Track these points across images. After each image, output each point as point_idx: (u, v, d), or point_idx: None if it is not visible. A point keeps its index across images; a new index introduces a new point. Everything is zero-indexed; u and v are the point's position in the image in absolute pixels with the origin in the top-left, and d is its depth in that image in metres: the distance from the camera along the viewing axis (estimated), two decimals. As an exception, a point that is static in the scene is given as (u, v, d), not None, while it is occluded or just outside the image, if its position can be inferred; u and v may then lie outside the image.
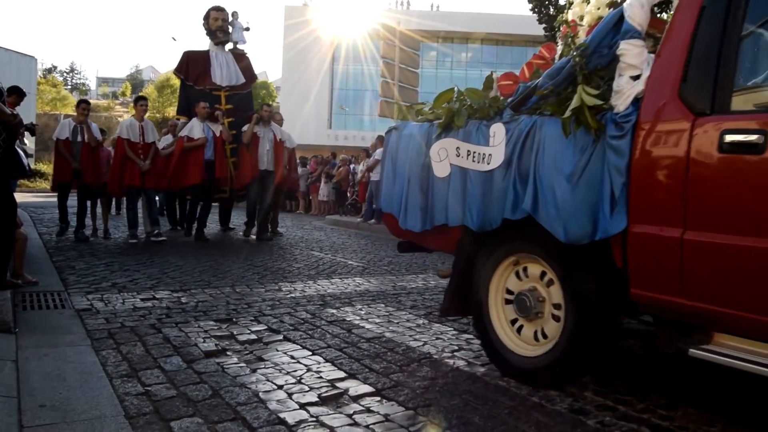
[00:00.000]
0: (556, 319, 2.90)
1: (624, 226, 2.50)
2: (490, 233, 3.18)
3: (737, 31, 2.29)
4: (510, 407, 2.70)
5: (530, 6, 13.82)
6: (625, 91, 2.55)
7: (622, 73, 2.59)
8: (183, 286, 5.23)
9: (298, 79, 38.25)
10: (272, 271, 6.36)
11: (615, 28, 2.68)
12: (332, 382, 2.95)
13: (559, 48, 3.77)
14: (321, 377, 3.02)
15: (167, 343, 3.52)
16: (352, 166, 16.30)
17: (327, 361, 3.30)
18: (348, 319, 4.31)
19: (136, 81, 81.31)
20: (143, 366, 3.08)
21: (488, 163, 3.15)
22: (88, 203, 8.43)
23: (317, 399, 2.72)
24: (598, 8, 3.49)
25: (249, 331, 3.85)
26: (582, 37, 3.41)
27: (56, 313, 4.10)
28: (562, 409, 2.68)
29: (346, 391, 2.84)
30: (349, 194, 16.37)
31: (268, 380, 2.94)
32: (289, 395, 2.75)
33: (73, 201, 8.33)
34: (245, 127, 9.14)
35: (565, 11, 3.99)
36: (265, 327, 3.98)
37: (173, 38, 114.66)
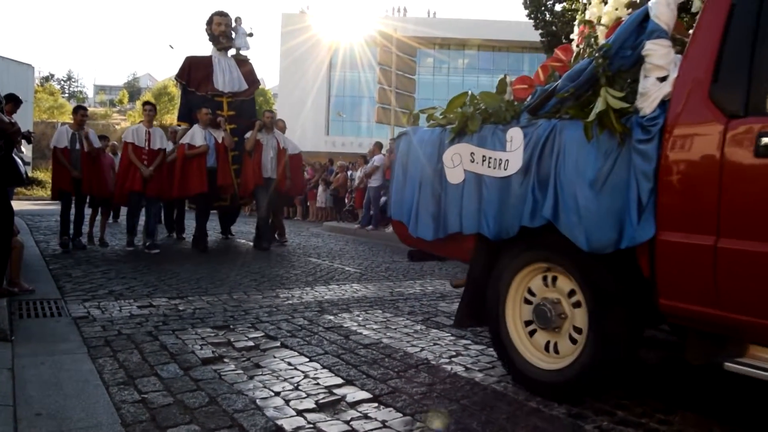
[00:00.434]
0: (573, 341, 2.80)
1: (652, 234, 2.39)
2: (507, 241, 3.07)
3: None
4: (508, 412, 2.70)
5: (526, 12, 13.90)
6: (651, 93, 2.45)
7: (647, 75, 2.48)
8: (180, 294, 5.22)
9: (295, 86, 38.35)
10: (269, 278, 6.35)
11: (639, 27, 2.57)
12: (330, 389, 2.94)
13: (576, 49, 3.62)
14: (318, 384, 3.01)
15: (164, 350, 3.51)
16: (349, 172, 16.32)
17: (324, 367, 3.29)
18: (345, 325, 4.30)
19: (133, 89, 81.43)
20: (140, 373, 3.07)
21: (505, 169, 3.04)
22: (88, 212, 8.33)
23: (315, 405, 2.71)
24: (616, 9, 3.34)
25: (246, 338, 3.84)
26: (601, 38, 3.29)
27: (53, 320, 4.09)
28: (560, 414, 2.68)
29: (343, 397, 2.83)
30: (346, 201, 16.37)
31: (265, 387, 2.93)
32: (287, 402, 2.74)
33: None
34: (248, 134, 9.03)
35: (580, 12, 3.88)
36: (263, 334, 3.98)
37: (171, 46, 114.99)
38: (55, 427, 2.36)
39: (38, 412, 2.47)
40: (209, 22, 9.95)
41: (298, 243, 10.37)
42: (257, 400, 2.74)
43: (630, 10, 3.13)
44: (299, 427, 2.46)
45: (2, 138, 4.23)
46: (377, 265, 7.84)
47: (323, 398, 2.80)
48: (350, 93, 42.11)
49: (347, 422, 2.54)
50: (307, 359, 3.43)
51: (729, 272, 2.19)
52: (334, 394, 2.86)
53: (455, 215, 3.35)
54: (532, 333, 3.03)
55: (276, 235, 9.92)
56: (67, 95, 73.13)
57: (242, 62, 10.19)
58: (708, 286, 2.24)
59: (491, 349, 3.74)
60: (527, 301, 3.06)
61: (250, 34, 10.48)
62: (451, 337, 4.03)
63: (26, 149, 9.40)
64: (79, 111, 8.29)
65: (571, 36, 3.98)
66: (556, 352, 2.88)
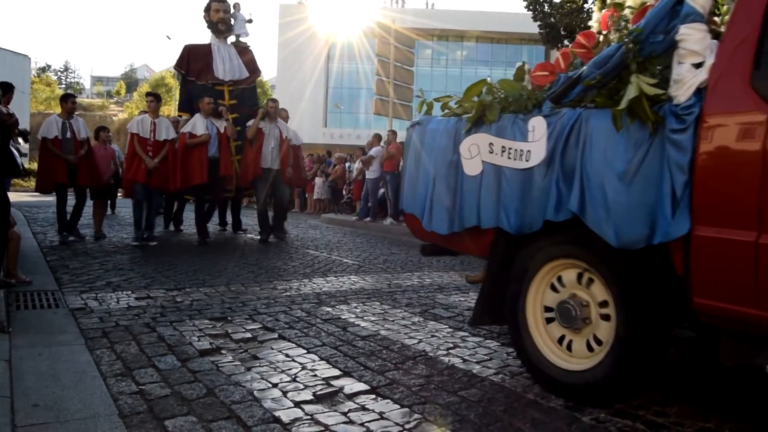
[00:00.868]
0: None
1: (687, 229, 2.26)
2: (528, 236, 2.94)
3: None
4: (505, 404, 2.70)
5: (525, 4, 13.86)
6: (686, 80, 2.30)
7: (682, 61, 2.34)
8: (178, 285, 5.21)
9: (293, 77, 38.18)
10: (267, 269, 6.34)
11: (672, 11, 2.45)
12: (327, 381, 2.94)
13: (598, 36, 3.46)
14: (316, 375, 3.01)
15: (161, 341, 3.51)
16: (347, 164, 16.30)
17: (322, 359, 3.29)
18: (343, 317, 4.31)
19: (130, 80, 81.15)
20: (137, 365, 3.07)
21: (527, 160, 2.90)
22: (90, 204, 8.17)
23: (312, 397, 2.72)
24: None
25: (244, 330, 3.84)
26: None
27: (50, 312, 4.08)
28: (557, 406, 2.68)
29: (341, 389, 2.84)
30: (344, 192, 16.36)
31: (262, 379, 2.94)
32: (284, 393, 2.75)
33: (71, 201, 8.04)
34: (250, 122, 8.78)
35: None
36: (260, 325, 3.98)
37: (168, 37, 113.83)
38: (53, 418, 2.36)
39: (35, 403, 2.47)
40: (207, 9, 9.73)
41: (296, 235, 10.36)
42: (255, 392, 2.74)
43: None
44: (297, 419, 2.47)
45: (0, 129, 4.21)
46: (375, 257, 7.84)
47: (321, 390, 2.81)
48: (348, 84, 41.96)
49: (345, 414, 2.54)
50: (305, 351, 3.43)
51: None
52: (332, 386, 2.86)
53: (472, 208, 3.23)
54: (549, 321, 2.93)
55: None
56: (64, 86, 72.78)
57: (243, 50, 9.96)
58: (748, 284, 2.12)
59: (489, 341, 3.76)
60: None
61: (250, 21, 10.24)
62: (449, 329, 4.04)
63: (22, 141, 9.30)
64: (69, 99, 8.02)
65: (590, 23, 3.85)
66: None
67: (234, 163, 8.82)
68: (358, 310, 4.55)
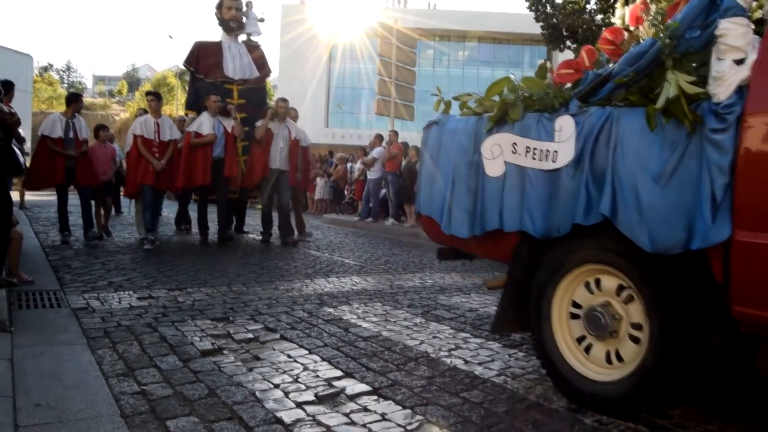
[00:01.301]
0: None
1: (728, 235, 2.15)
2: (554, 240, 2.82)
3: None
4: (508, 406, 2.70)
5: (527, 5, 13.85)
6: (727, 77, 2.18)
7: (722, 57, 2.22)
8: (179, 285, 5.21)
9: (294, 77, 38.16)
10: (269, 269, 6.34)
11: (711, 5, 2.35)
12: (329, 381, 2.94)
13: (626, 32, 3.31)
14: (318, 376, 3.01)
15: (163, 342, 3.51)
16: (349, 164, 16.30)
17: (324, 359, 3.29)
18: (345, 317, 4.30)
19: (132, 79, 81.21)
20: (139, 365, 3.07)
21: (554, 161, 2.77)
22: (92, 203, 8.05)
23: (314, 398, 2.71)
24: None
25: (245, 330, 3.84)
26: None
27: (52, 311, 4.09)
28: (559, 408, 2.68)
29: (343, 390, 2.83)
30: (346, 193, 16.37)
31: (264, 379, 2.93)
32: (286, 394, 2.74)
33: (74, 200, 8.02)
34: (259, 123, 8.61)
35: None
36: (262, 326, 3.97)
37: (170, 36, 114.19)
38: (55, 417, 2.36)
39: (37, 403, 2.47)
40: (219, 6, 9.50)
41: (296, 235, 10.35)
42: (257, 392, 2.74)
43: None
44: (298, 420, 2.46)
45: (1, 128, 4.22)
46: (377, 257, 7.84)
47: (323, 391, 2.80)
48: (350, 85, 41.99)
49: (347, 415, 2.54)
50: (307, 351, 3.43)
51: None
52: (334, 387, 2.86)
53: (494, 211, 3.10)
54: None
55: (297, 231, 9.47)
56: (66, 85, 72.90)
57: (253, 48, 9.78)
58: None
59: (491, 342, 3.76)
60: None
61: (261, 20, 9.99)
62: (451, 331, 4.03)
63: (26, 139, 9.25)
64: (79, 99, 7.95)
65: (613, 19, 3.73)
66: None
67: (240, 163, 8.62)
68: (359, 311, 4.54)
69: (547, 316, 2.87)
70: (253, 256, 7.35)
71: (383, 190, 12.55)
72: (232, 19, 9.45)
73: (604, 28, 3.57)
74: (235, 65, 9.29)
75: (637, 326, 2.54)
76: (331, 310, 4.54)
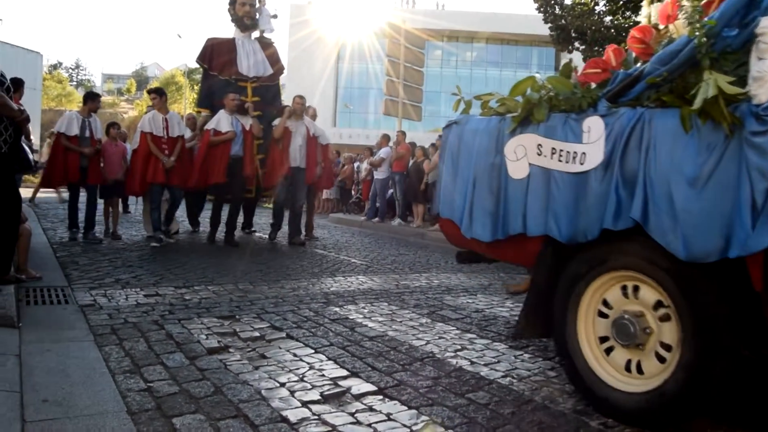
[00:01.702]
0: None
1: None
2: (580, 245, 2.72)
3: None
4: (514, 407, 2.69)
5: (536, 6, 13.82)
6: None
7: (763, 56, 2.12)
8: (186, 283, 5.23)
9: (303, 77, 38.23)
10: (276, 268, 6.35)
11: (750, 2, 2.27)
12: (335, 381, 2.94)
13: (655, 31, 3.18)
14: (324, 375, 3.01)
15: (170, 339, 3.52)
16: (356, 164, 16.31)
17: (330, 359, 3.29)
18: (351, 317, 4.31)
19: (141, 78, 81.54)
20: (146, 362, 3.08)
21: (581, 163, 2.68)
22: (100, 202, 7.98)
23: (320, 397, 2.72)
24: None
25: (252, 329, 3.85)
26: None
27: (60, 308, 4.11)
28: (565, 410, 2.67)
29: (348, 389, 2.83)
30: (353, 192, 16.38)
31: (270, 378, 2.94)
32: (292, 393, 2.75)
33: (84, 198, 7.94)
34: (276, 121, 8.49)
35: None
36: (268, 324, 3.98)
37: (179, 35, 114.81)
38: (62, 413, 2.37)
39: (44, 399, 2.49)
40: (232, 3, 9.38)
41: (304, 234, 10.37)
42: (262, 391, 2.75)
43: None
44: (304, 419, 2.47)
45: (11, 125, 4.25)
46: (383, 257, 7.84)
47: (328, 390, 2.81)
48: (358, 84, 42.05)
49: (352, 414, 2.54)
50: (313, 351, 3.43)
51: None
52: (340, 386, 2.86)
53: (517, 214, 3.01)
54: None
55: (305, 232, 9.40)
56: (75, 83, 73.34)
57: (266, 45, 9.68)
58: None
59: (497, 343, 3.75)
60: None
61: (275, 16, 9.85)
62: (457, 331, 4.03)
63: (35, 137, 9.29)
64: (96, 98, 7.91)
65: (639, 18, 3.60)
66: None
67: (256, 161, 8.47)
68: (365, 311, 4.54)
69: (573, 309, 2.77)
70: (260, 255, 7.37)
71: (390, 190, 12.55)
72: (245, 15, 9.32)
73: (612, 30, 3.48)
74: (249, 62, 9.19)
75: (667, 347, 2.44)
76: (338, 309, 4.55)
